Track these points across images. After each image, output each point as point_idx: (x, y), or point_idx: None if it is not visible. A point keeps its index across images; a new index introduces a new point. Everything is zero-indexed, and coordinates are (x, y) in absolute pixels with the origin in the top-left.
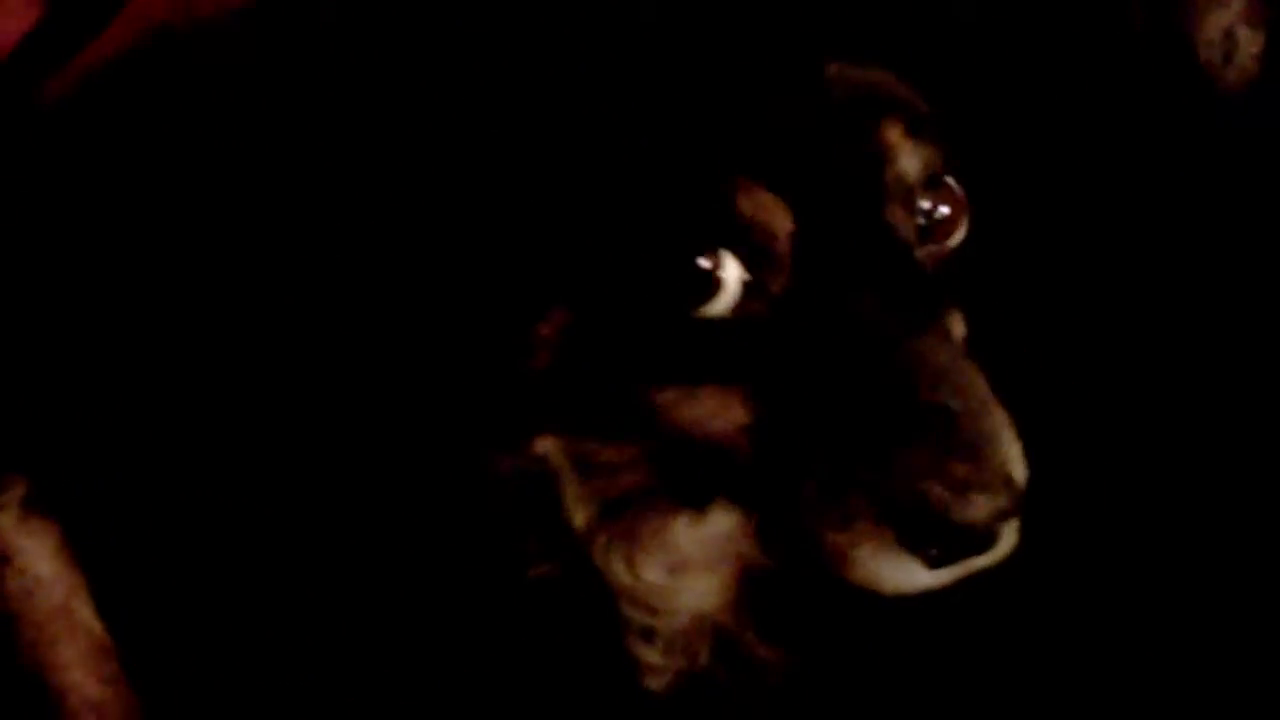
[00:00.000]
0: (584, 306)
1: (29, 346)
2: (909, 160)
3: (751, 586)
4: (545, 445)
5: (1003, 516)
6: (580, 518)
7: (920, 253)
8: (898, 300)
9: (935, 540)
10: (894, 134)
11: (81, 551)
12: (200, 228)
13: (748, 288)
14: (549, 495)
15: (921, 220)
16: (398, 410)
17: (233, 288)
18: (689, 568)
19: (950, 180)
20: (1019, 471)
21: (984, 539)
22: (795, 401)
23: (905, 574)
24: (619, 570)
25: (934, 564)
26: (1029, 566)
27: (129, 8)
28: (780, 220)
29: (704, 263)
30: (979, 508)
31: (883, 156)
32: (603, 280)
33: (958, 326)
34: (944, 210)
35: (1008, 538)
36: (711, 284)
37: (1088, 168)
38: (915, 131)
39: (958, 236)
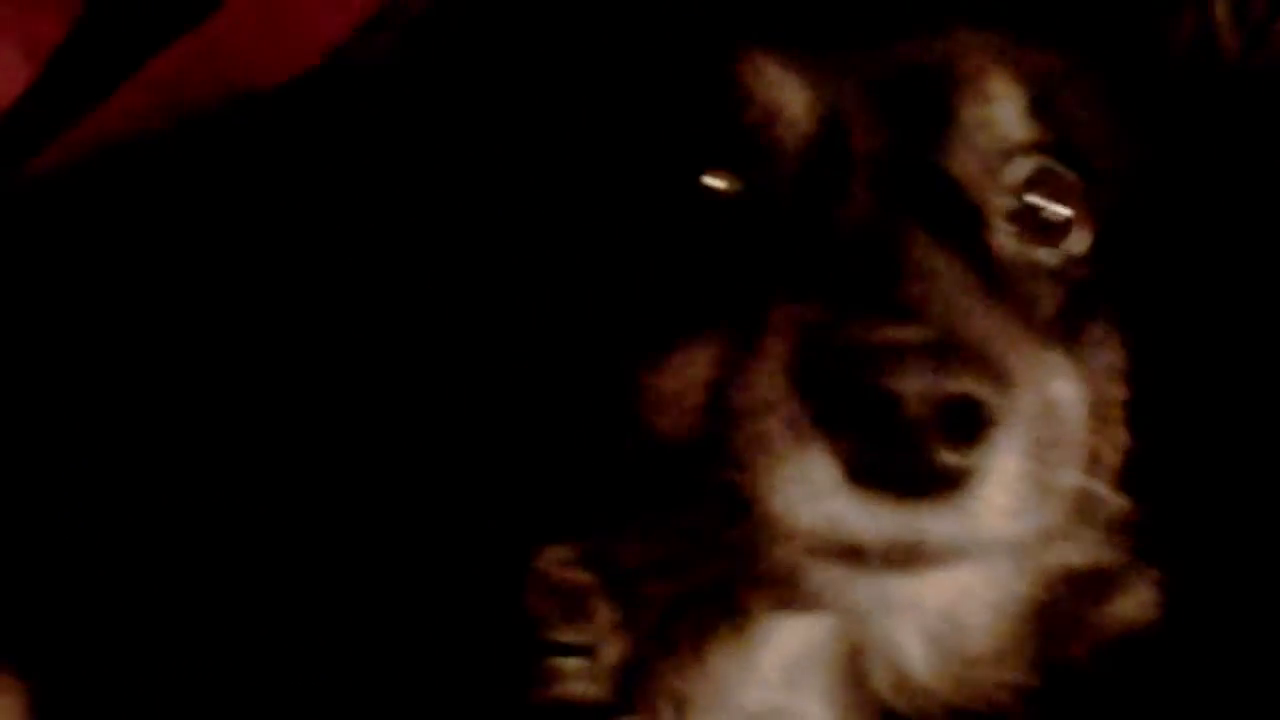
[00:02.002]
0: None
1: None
2: (1001, 105)
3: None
4: (564, 556)
5: (960, 409)
6: (614, 647)
7: (1015, 247)
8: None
9: (854, 424)
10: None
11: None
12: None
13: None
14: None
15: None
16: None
17: None
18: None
19: (1067, 176)
20: (1006, 390)
21: (928, 448)
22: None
23: (819, 490)
24: None
25: (858, 476)
26: None
27: (143, 75)
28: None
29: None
30: (912, 375)
31: (961, 83)
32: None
33: (1103, 347)
34: (1058, 211)
35: (989, 485)
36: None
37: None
38: (1027, 85)
39: (1076, 245)
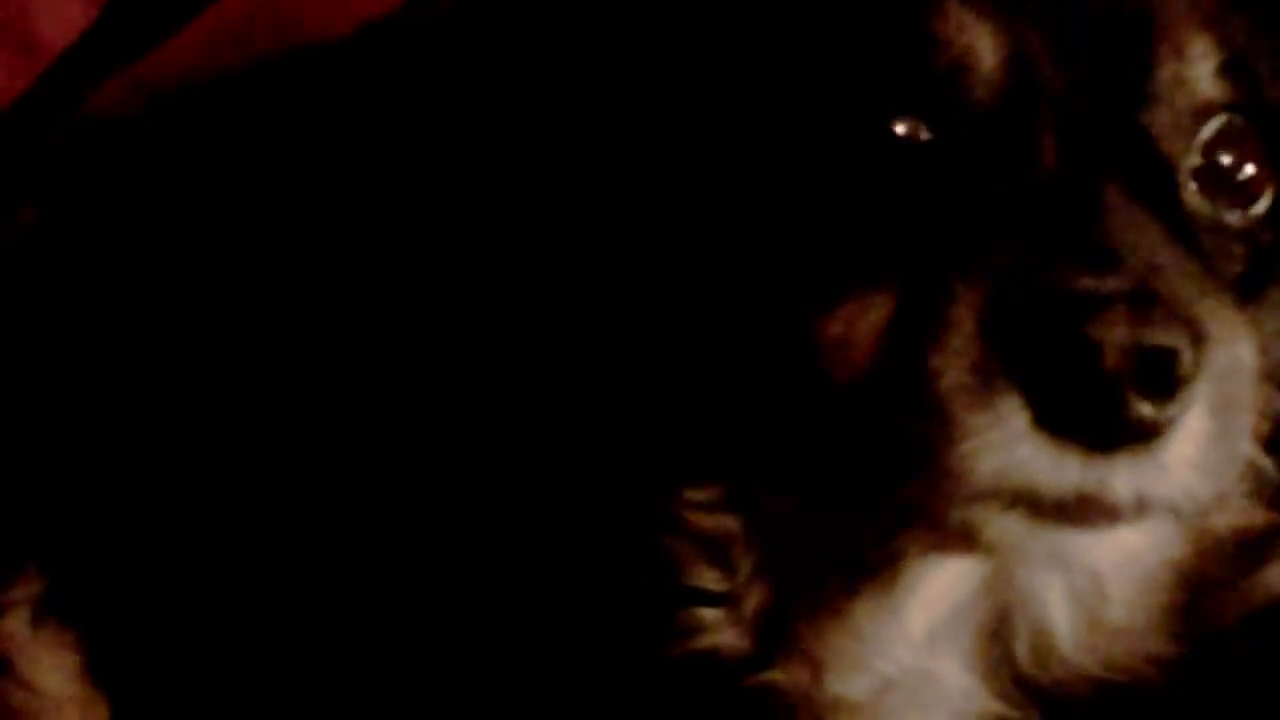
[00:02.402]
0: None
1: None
2: (1198, 63)
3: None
4: (707, 498)
5: (1156, 360)
6: (755, 597)
7: (1205, 206)
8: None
9: (1049, 372)
10: (1182, 16)
11: (104, 671)
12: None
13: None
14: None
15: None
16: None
17: None
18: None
19: (1255, 137)
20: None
21: (1124, 399)
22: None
23: (1008, 437)
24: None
25: (1049, 424)
26: None
27: (207, 18)
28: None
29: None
30: (1112, 324)
31: (1158, 38)
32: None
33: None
34: (1249, 170)
35: (1180, 441)
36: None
37: None
38: (1222, 43)
39: (1262, 204)
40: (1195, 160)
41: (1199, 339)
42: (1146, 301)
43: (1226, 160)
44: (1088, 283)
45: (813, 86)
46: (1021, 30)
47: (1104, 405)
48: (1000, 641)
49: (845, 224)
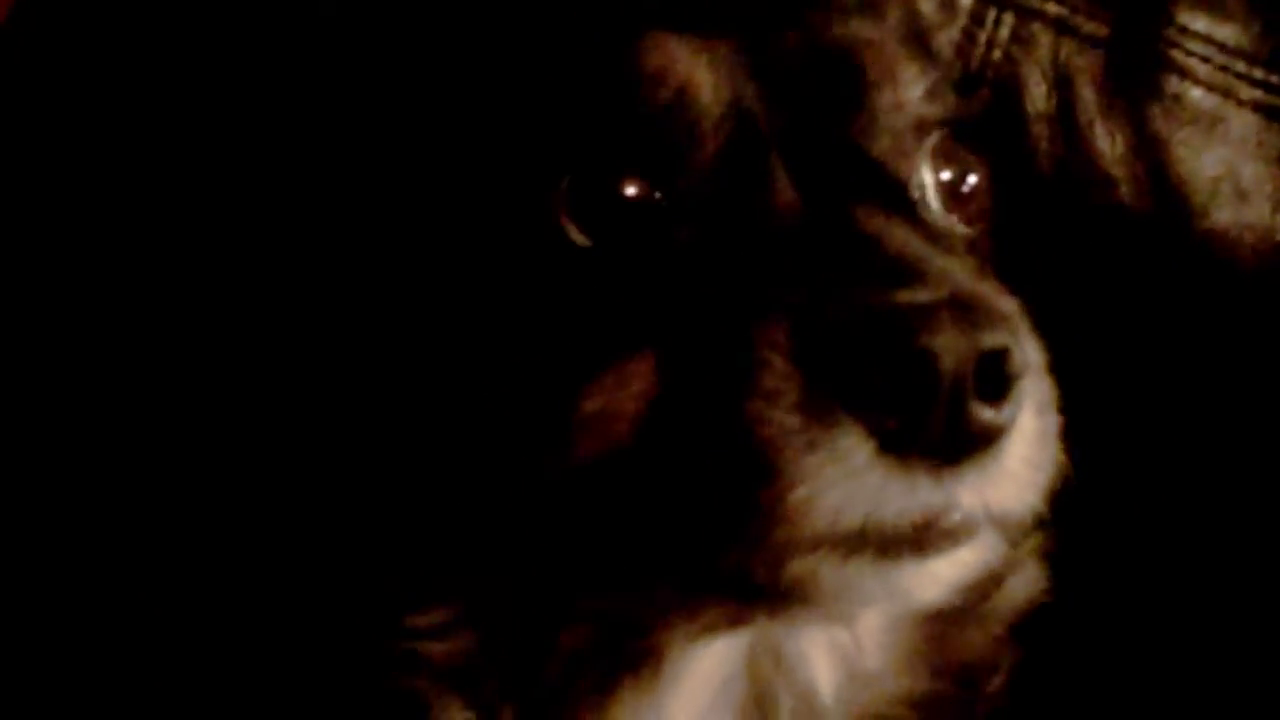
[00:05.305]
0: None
1: None
2: (909, 86)
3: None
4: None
5: (992, 363)
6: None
7: (941, 217)
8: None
9: (886, 391)
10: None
11: None
12: None
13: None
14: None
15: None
16: None
17: None
18: None
19: (968, 151)
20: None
21: (966, 407)
22: (702, 336)
23: (852, 470)
24: None
25: (896, 444)
26: None
27: None
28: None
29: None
30: (943, 332)
31: (870, 66)
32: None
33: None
34: (971, 180)
35: (1017, 443)
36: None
37: None
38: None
39: (983, 214)
40: (928, 178)
41: (1018, 336)
42: (965, 306)
43: (950, 175)
44: (904, 296)
45: (519, 148)
46: (731, 65)
47: (948, 416)
48: (764, 713)
49: (589, 300)
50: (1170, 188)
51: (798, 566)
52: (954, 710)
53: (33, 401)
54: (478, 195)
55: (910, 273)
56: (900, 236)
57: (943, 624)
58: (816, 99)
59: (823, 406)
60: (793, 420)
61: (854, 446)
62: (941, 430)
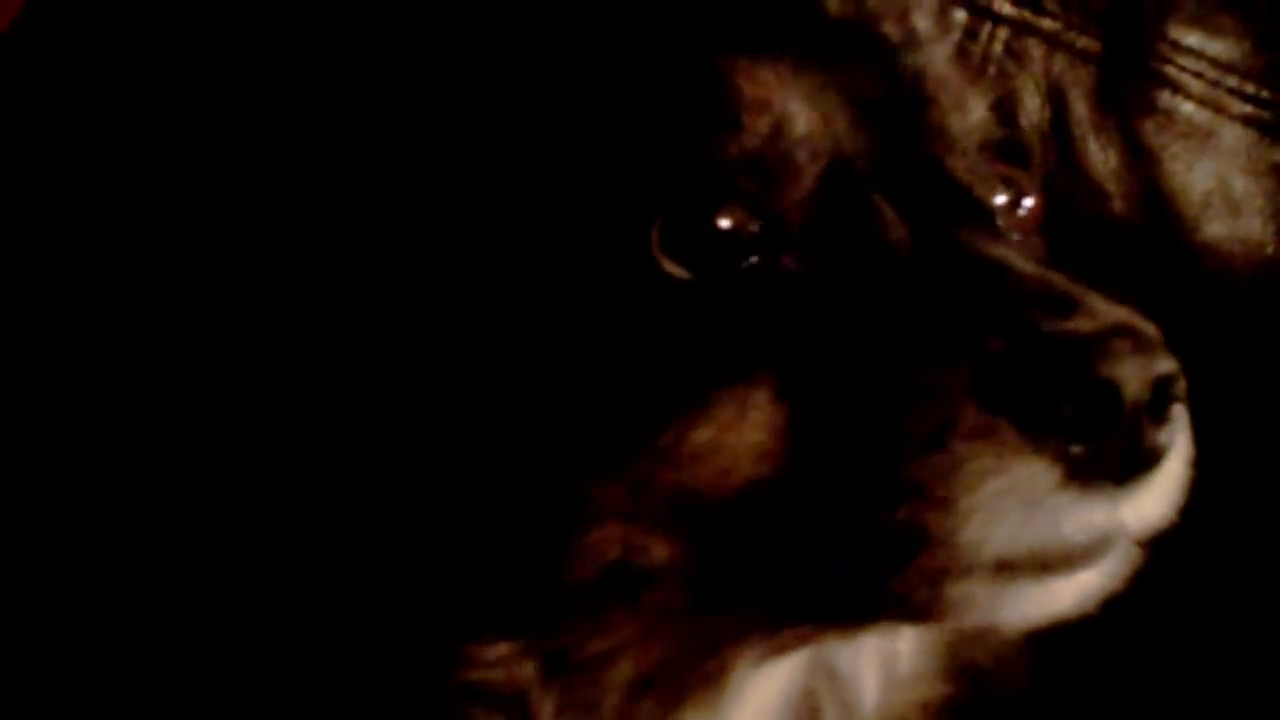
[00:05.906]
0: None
1: None
2: (975, 109)
3: None
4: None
5: (1162, 387)
6: None
7: (1003, 219)
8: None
9: (1071, 419)
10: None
11: None
12: None
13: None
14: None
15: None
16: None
17: None
18: None
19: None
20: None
21: (1143, 429)
22: (841, 367)
23: (1038, 498)
24: None
25: (1080, 469)
26: None
27: None
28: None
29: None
30: (1123, 359)
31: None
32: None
33: None
34: (1027, 203)
35: (1178, 452)
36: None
37: None
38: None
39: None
40: (1000, 199)
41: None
42: (1132, 333)
43: (1007, 197)
44: (1071, 325)
45: (611, 187)
46: (822, 94)
47: (1127, 441)
48: None
49: (688, 332)
50: (1162, 201)
51: (960, 587)
52: (975, 714)
53: (33, 402)
54: (570, 235)
55: (1063, 300)
56: (1026, 263)
57: (966, 630)
58: (898, 127)
59: (999, 434)
60: (966, 448)
61: (1037, 474)
62: (1121, 454)
